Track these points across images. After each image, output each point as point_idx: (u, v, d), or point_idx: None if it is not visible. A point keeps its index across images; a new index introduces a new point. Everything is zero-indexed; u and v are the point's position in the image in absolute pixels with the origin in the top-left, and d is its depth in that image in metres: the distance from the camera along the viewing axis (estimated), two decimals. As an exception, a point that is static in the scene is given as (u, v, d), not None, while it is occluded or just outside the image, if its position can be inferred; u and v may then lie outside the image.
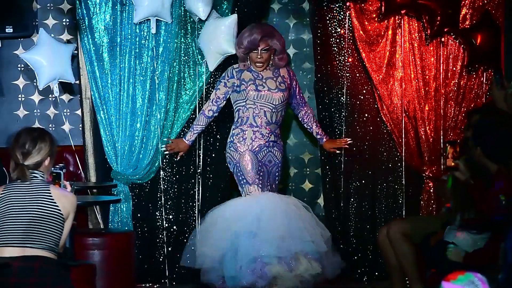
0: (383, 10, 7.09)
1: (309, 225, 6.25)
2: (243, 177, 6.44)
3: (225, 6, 7.11)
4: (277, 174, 6.61)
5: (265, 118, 6.52)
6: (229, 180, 7.15)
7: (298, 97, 6.75)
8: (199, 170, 7.18)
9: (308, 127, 6.82)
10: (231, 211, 6.32)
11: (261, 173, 6.47)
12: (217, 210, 6.43)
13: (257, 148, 6.51)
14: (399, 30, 7.18)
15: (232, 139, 6.58)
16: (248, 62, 6.63)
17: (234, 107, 6.64)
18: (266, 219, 6.18)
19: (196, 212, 7.17)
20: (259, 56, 6.56)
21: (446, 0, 7.03)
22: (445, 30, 7.10)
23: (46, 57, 6.83)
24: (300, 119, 6.88)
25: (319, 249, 6.17)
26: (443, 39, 7.18)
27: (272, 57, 6.62)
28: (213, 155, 7.24)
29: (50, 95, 7.57)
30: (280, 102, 6.56)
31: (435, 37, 7.14)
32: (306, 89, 7.56)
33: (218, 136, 7.24)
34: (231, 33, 6.83)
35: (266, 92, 6.54)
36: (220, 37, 6.83)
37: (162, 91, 7.11)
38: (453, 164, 5.22)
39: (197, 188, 7.18)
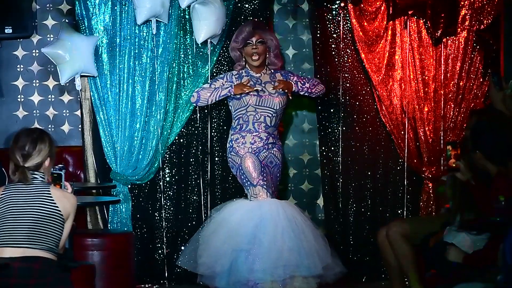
0: (390, 11, 7.09)
1: (306, 244, 6.21)
2: (246, 179, 6.44)
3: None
4: (278, 175, 6.62)
5: (264, 123, 6.52)
6: (231, 181, 7.17)
7: (307, 84, 6.67)
8: (208, 171, 7.20)
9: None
10: (233, 221, 6.30)
11: (265, 174, 6.46)
12: (220, 216, 6.40)
13: (257, 150, 6.51)
14: (399, 31, 7.19)
15: (231, 144, 6.58)
16: (244, 62, 6.62)
17: (233, 115, 6.62)
18: (264, 237, 6.17)
19: (201, 212, 7.20)
20: (254, 47, 6.56)
21: (451, 0, 7.05)
22: (449, 30, 7.10)
23: (67, 51, 6.86)
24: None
25: (315, 272, 6.16)
26: (443, 40, 7.19)
27: (267, 55, 6.62)
28: (214, 156, 7.24)
29: (49, 96, 7.58)
30: (280, 107, 6.56)
31: (440, 40, 7.13)
32: (305, 89, 7.57)
33: (218, 138, 7.24)
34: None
35: (267, 96, 6.53)
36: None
37: (162, 91, 7.12)
38: (454, 165, 5.22)
39: (202, 195, 7.20)
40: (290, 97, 6.58)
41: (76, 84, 6.99)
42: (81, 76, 6.98)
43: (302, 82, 6.64)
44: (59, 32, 6.92)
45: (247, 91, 6.47)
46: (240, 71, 6.64)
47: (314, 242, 6.23)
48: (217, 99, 6.56)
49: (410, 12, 7.10)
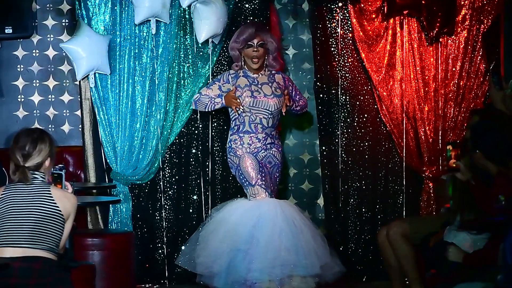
0: (385, 10, 7.09)
1: (305, 243, 6.21)
2: (245, 179, 6.45)
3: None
4: (277, 175, 6.61)
5: (261, 124, 6.52)
6: (231, 181, 7.17)
7: (299, 107, 6.73)
8: (209, 172, 7.20)
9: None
10: (231, 221, 6.30)
11: (263, 174, 6.46)
12: (219, 215, 6.40)
13: (255, 150, 6.51)
14: (399, 30, 7.19)
15: (230, 145, 6.59)
16: (242, 63, 6.63)
17: (231, 116, 6.64)
18: (262, 236, 6.17)
19: (201, 212, 7.20)
20: (255, 49, 6.57)
21: (447, 0, 7.05)
22: (445, 30, 7.11)
23: (85, 48, 6.89)
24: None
25: (312, 271, 6.16)
26: (442, 40, 7.19)
27: (266, 57, 6.62)
28: (214, 156, 7.24)
29: (50, 96, 7.58)
30: (276, 108, 6.55)
31: (436, 40, 7.14)
32: (305, 89, 7.56)
33: (218, 138, 7.24)
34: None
35: (262, 98, 6.53)
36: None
37: (162, 91, 7.12)
38: (454, 165, 5.22)
39: (203, 195, 7.20)
40: (284, 113, 6.60)
41: (90, 81, 7.03)
42: (95, 73, 7.02)
43: (297, 104, 6.73)
44: (76, 29, 6.96)
45: (233, 107, 6.50)
46: (238, 71, 6.64)
47: (312, 241, 6.22)
48: (213, 109, 6.67)
49: (405, 12, 7.11)
